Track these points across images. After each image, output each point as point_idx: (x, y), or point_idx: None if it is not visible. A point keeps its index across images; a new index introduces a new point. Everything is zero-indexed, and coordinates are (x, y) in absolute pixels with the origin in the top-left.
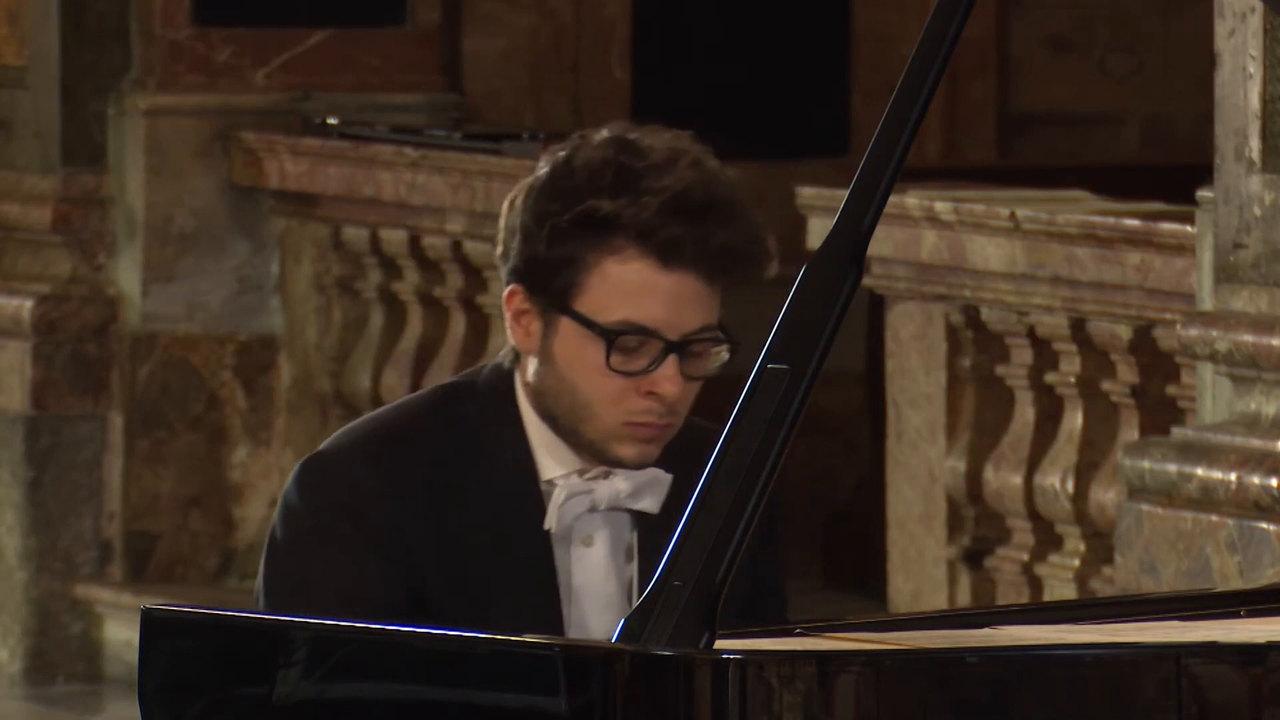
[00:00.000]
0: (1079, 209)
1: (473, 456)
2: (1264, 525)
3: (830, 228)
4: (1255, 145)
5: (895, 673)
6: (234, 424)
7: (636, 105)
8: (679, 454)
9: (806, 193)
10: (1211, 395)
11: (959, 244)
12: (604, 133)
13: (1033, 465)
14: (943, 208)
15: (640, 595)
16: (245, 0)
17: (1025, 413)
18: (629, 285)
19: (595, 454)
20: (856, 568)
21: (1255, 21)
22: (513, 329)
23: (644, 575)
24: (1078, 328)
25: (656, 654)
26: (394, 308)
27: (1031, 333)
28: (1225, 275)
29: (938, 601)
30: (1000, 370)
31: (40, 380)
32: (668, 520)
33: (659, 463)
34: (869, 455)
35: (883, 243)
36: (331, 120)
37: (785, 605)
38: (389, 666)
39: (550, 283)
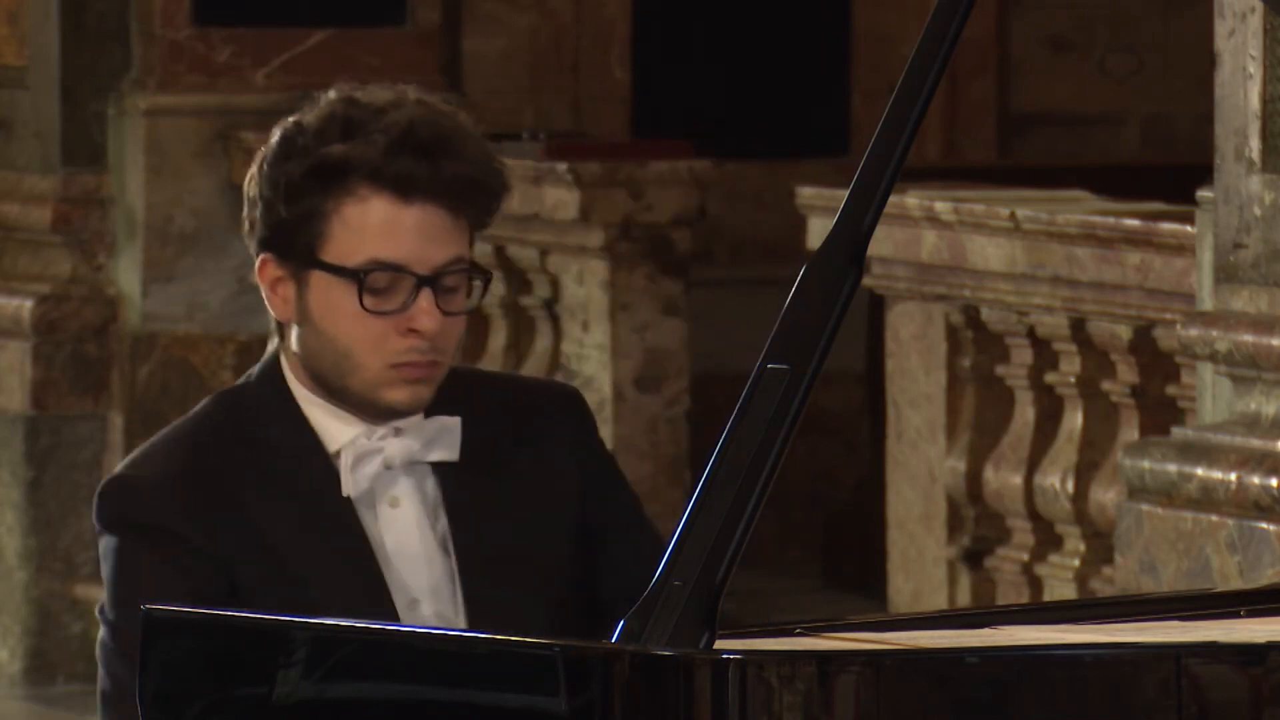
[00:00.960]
0: (1079, 209)
1: (258, 447)
2: (1264, 525)
3: (830, 228)
4: (1255, 145)
5: (895, 673)
6: None
7: (636, 105)
8: (459, 399)
9: (806, 193)
10: (1211, 395)
11: (959, 244)
12: (330, 93)
13: (1033, 465)
14: (943, 208)
15: (457, 548)
16: (245, 0)
17: (1025, 413)
18: (371, 225)
19: (368, 406)
20: (856, 568)
21: (1255, 21)
22: (270, 300)
23: (457, 525)
24: (1078, 328)
25: (656, 654)
26: None
27: (1031, 333)
28: (1225, 275)
29: (938, 601)
30: (1000, 370)
31: (40, 380)
32: (469, 465)
33: (441, 410)
34: (869, 455)
35: (883, 243)
36: None
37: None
38: (389, 666)
39: (295, 242)
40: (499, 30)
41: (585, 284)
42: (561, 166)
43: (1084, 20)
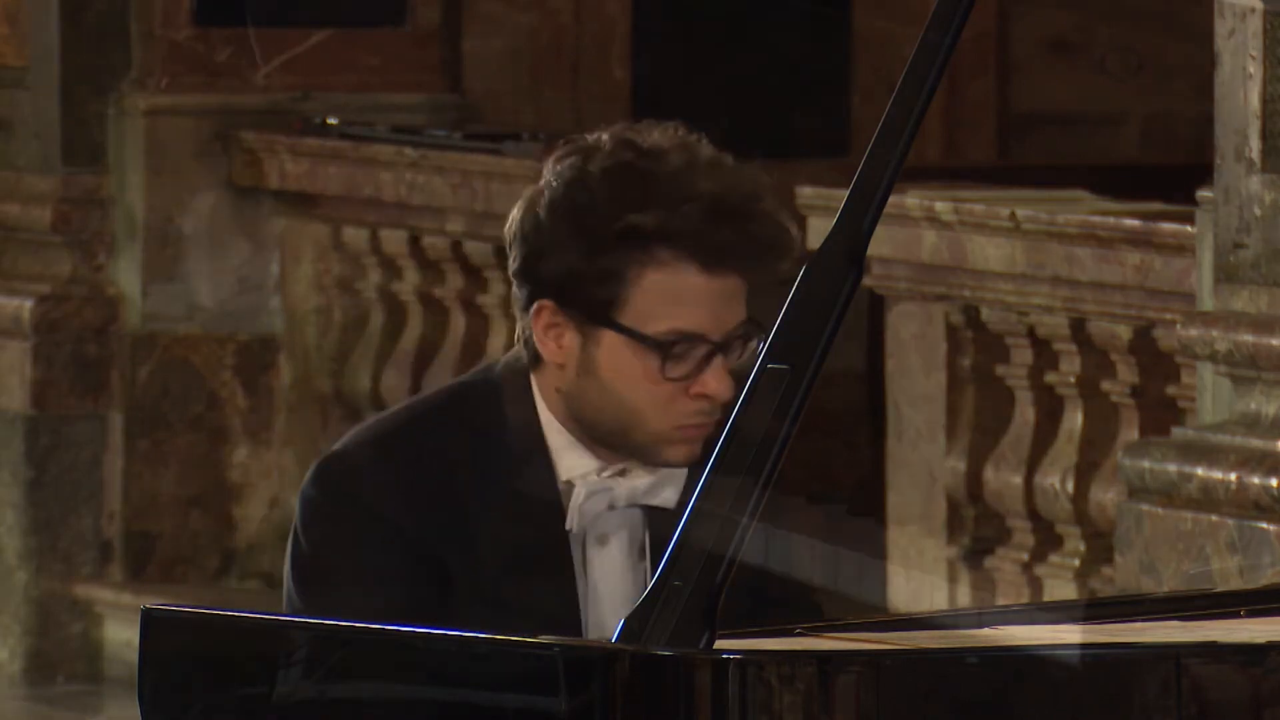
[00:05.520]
0: (1079, 209)
1: (489, 458)
2: (1264, 525)
3: (830, 228)
4: (1255, 145)
5: (895, 673)
6: (234, 424)
7: (636, 105)
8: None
9: (806, 193)
10: (1211, 395)
11: (959, 244)
12: (606, 137)
13: (1033, 465)
14: (943, 208)
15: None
16: (245, 0)
17: (1025, 413)
18: (674, 294)
19: (644, 457)
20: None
21: (1255, 21)
22: (542, 342)
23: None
24: (1078, 328)
25: (656, 654)
26: (394, 308)
27: (1031, 333)
28: (1225, 275)
29: (938, 601)
30: (1000, 370)
31: (40, 380)
32: (680, 513)
33: None
34: (869, 455)
35: (883, 243)
36: (331, 120)
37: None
38: (389, 666)
39: (588, 297)
40: (499, 30)
41: None
42: None
43: (1084, 20)
